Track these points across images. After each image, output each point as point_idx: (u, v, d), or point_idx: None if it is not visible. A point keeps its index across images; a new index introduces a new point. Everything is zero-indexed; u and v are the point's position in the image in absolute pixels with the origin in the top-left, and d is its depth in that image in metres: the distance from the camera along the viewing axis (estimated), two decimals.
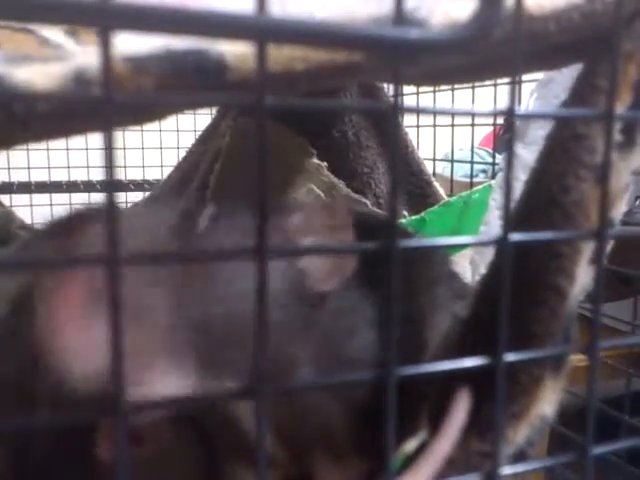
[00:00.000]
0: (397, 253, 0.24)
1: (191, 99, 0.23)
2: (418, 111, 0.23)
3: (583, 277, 0.31)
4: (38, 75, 0.25)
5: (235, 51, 0.27)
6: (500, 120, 0.83)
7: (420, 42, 0.22)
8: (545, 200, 0.32)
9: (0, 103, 0.24)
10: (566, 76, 0.50)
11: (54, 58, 0.27)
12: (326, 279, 0.33)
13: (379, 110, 0.26)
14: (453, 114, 0.35)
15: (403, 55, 0.22)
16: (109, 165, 0.20)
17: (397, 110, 0.23)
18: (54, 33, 0.41)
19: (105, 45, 0.20)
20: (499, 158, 0.95)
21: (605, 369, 0.66)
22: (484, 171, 1.49)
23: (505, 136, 1.38)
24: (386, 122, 0.72)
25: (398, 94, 0.23)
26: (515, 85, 0.26)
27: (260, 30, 0.21)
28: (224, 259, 0.23)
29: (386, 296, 0.24)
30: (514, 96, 0.26)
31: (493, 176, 1.30)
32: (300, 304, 0.32)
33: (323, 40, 0.22)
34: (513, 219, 0.27)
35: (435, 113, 0.41)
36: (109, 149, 0.20)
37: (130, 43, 0.26)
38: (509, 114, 0.25)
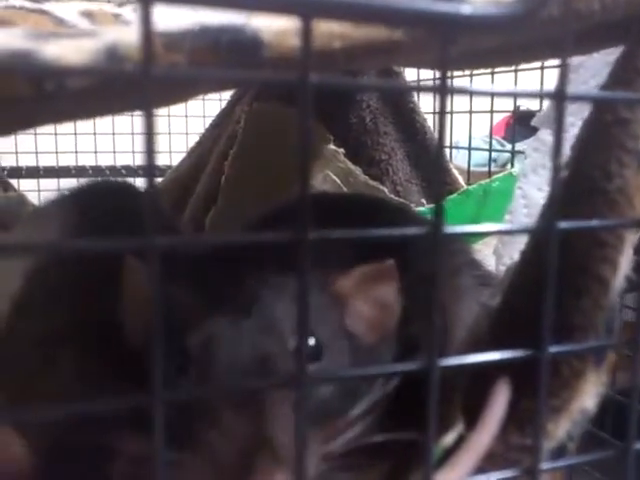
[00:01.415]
0: (442, 238, 0.23)
1: (231, 75, 0.22)
2: (471, 92, 0.22)
3: (625, 266, 0.30)
4: (69, 50, 0.23)
5: (272, 28, 0.26)
6: (517, 104, 0.81)
7: (473, 18, 0.21)
8: (586, 187, 0.31)
9: (30, 79, 0.22)
10: (597, 61, 0.48)
11: (83, 34, 0.26)
12: (370, 334, 0.37)
13: (427, 90, 0.25)
14: (501, 95, 0.34)
15: (455, 31, 0.21)
16: (149, 148, 0.19)
17: (446, 90, 0.22)
18: (69, 13, 0.40)
19: (145, 18, 0.18)
20: (509, 147, 0.93)
21: (628, 361, 0.65)
22: (494, 160, 1.47)
23: (515, 127, 1.36)
24: (404, 105, 0.70)
25: (445, 76, 0.22)
26: (565, 66, 0.24)
27: (306, 5, 0.20)
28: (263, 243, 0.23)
29: (428, 285, 0.23)
30: (564, 77, 0.24)
31: (503, 165, 1.28)
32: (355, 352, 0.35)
33: (373, 16, 0.21)
34: (552, 207, 0.26)
35: (482, 94, 0.40)
36: (149, 132, 0.19)
37: (163, 19, 0.25)
38: (558, 96, 0.24)
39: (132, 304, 0.34)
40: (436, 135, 0.77)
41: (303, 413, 0.21)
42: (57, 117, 0.30)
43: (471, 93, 0.24)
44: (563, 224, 0.25)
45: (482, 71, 0.73)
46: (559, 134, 0.25)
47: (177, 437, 0.28)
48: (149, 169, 0.19)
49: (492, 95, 0.48)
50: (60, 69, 0.22)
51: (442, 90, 0.22)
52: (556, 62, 0.55)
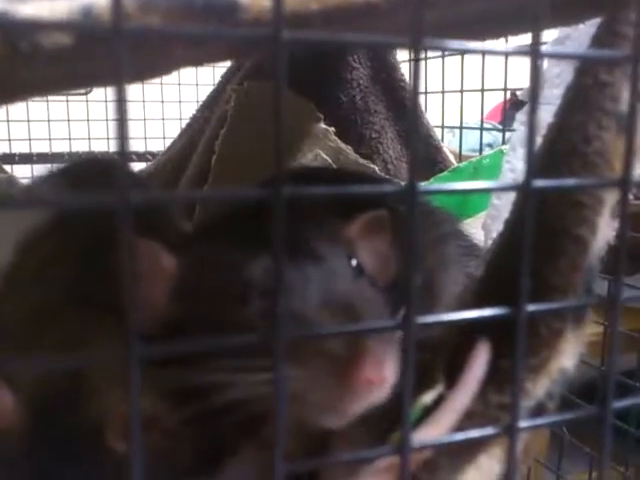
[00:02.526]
0: (416, 197, 0.23)
1: (203, 33, 0.22)
2: (464, 52, 0.22)
3: (605, 229, 0.30)
4: (45, 11, 0.24)
5: None
6: (512, 86, 0.81)
7: None
8: (566, 150, 0.31)
9: (6, 38, 0.22)
10: (582, 33, 0.48)
11: None
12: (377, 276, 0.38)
13: (399, 45, 0.25)
14: (484, 53, 0.34)
15: None
16: (120, 109, 0.19)
17: (419, 44, 0.22)
18: None
19: None
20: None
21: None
22: (490, 145, 1.47)
23: (511, 112, 1.36)
24: (394, 84, 0.70)
25: (421, 25, 0.22)
26: (539, 28, 0.25)
27: None
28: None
29: (406, 246, 0.24)
30: (538, 36, 0.25)
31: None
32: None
33: None
34: (529, 165, 0.26)
35: (464, 52, 0.40)
36: (120, 99, 0.19)
37: None
38: (534, 54, 0.24)
39: (148, 280, 0.34)
40: (412, 84, 0.77)
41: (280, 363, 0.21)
42: (38, 83, 0.30)
43: (463, 51, 0.24)
44: (540, 182, 0.25)
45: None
46: (536, 95, 0.25)
47: None
48: (121, 129, 0.19)
49: (483, 54, 0.48)
50: (35, 25, 0.22)
51: (416, 45, 0.22)
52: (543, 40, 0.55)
